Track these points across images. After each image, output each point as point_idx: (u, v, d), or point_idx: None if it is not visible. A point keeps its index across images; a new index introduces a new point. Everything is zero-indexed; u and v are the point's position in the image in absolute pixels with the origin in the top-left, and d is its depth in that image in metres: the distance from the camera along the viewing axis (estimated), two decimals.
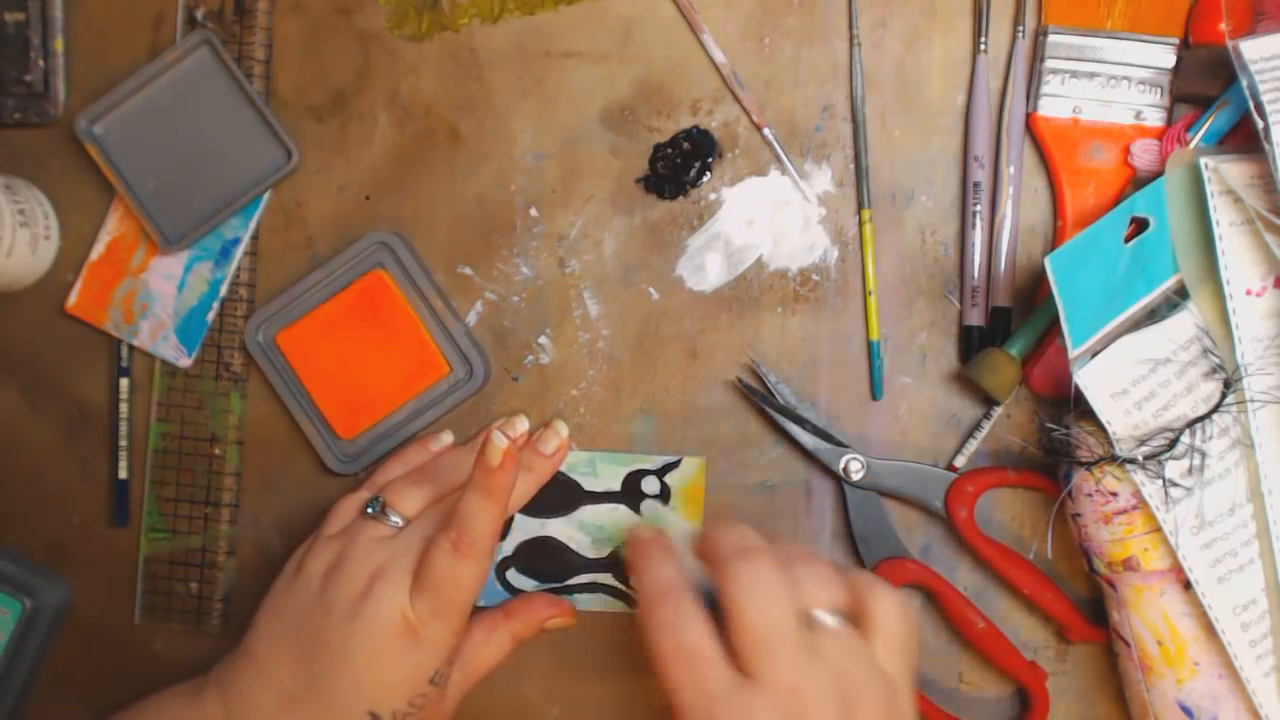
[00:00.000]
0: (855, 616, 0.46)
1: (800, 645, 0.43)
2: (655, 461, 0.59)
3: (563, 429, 0.58)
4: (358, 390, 0.59)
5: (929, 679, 0.58)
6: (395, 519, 0.55)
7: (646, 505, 0.58)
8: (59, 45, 0.61)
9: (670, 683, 0.44)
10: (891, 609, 0.46)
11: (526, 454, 0.57)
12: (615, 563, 0.59)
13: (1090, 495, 0.51)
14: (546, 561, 0.59)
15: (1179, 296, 0.51)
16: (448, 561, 0.51)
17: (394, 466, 0.58)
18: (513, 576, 0.59)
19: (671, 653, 0.44)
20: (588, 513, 0.59)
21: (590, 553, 0.59)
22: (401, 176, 0.61)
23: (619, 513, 0.59)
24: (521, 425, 0.59)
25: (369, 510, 0.55)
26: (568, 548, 0.59)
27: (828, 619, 0.45)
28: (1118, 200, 0.54)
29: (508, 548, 0.59)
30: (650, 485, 0.59)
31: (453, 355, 0.59)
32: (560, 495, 0.59)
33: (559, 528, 0.59)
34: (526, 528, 0.59)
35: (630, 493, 0.59)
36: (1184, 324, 0.50)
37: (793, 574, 0.45)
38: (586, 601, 0.59)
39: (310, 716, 0.51)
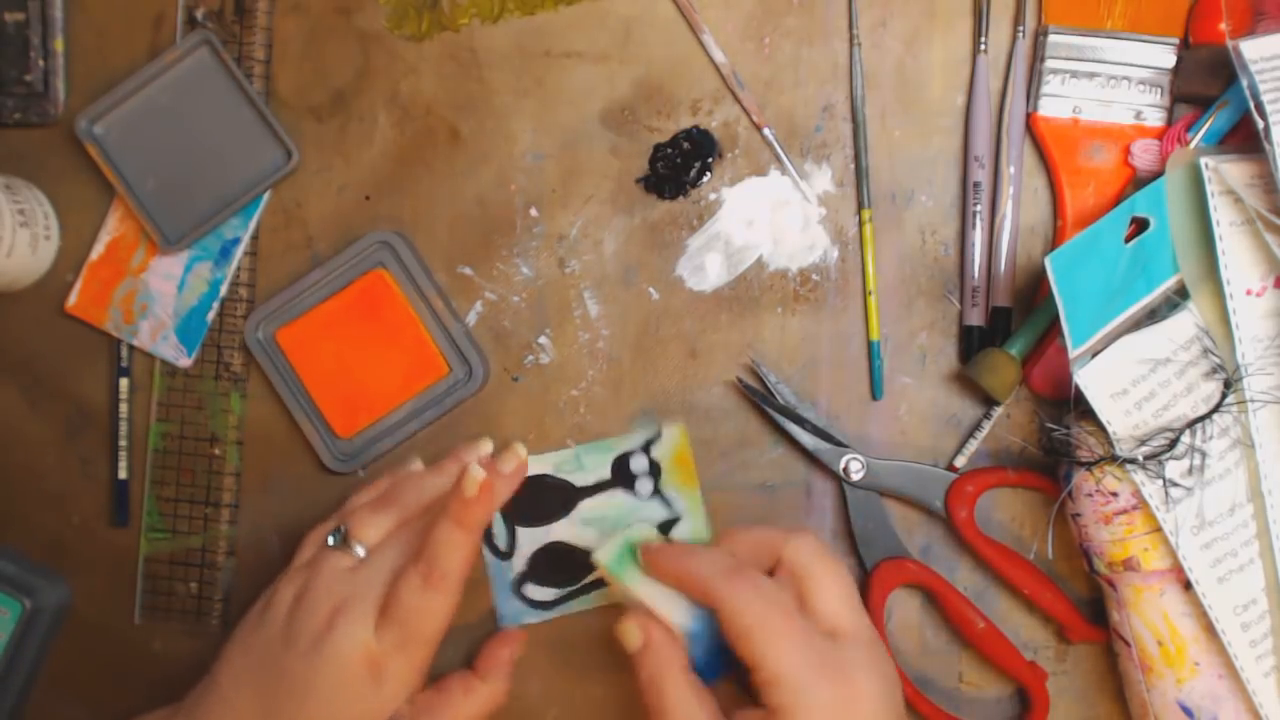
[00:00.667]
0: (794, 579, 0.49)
1: (823, 666, 0.46)
2: (637, 439, 0.59)
3: (521, 450, 0.55)
4: (357, 389, 0.59)
5: (929, 679, 0.58)
6: (359, 549, 0.53)
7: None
8: (59, 45, 0.61)
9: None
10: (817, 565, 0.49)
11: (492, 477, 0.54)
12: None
13: (1090, 495, 0.51)
14: (559, 567, 0.59)
15: (1179, 296, 0.51)
16: (417, 594, 0.50)
17: (360, 495, 0.57)
18: (530, 590, 0.59)
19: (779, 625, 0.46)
20: (586, 507, 0.59)
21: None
22: (401, 176, 0.61)
23: (617, 498, 0.59)
24: (485, 447, 0.57)
25: (331, 541, 0.54)
26: (576, 547, 0.59)
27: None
28: (1118, 200, 0.54)
29: (519, 564, 0.59)
30: (639, 464, 0.59)
31: (452, 356, 0.59)
32: (555, 498, 0.59)
33: (563, 530, 0.59)
34: (532, 539, 0.59)
35: (622, 477, 0.59)
36: (1184, 324, 0.50)
37: (785, 590, 0.48)
38: (600, 597, 0.59)
39: None
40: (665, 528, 0.58)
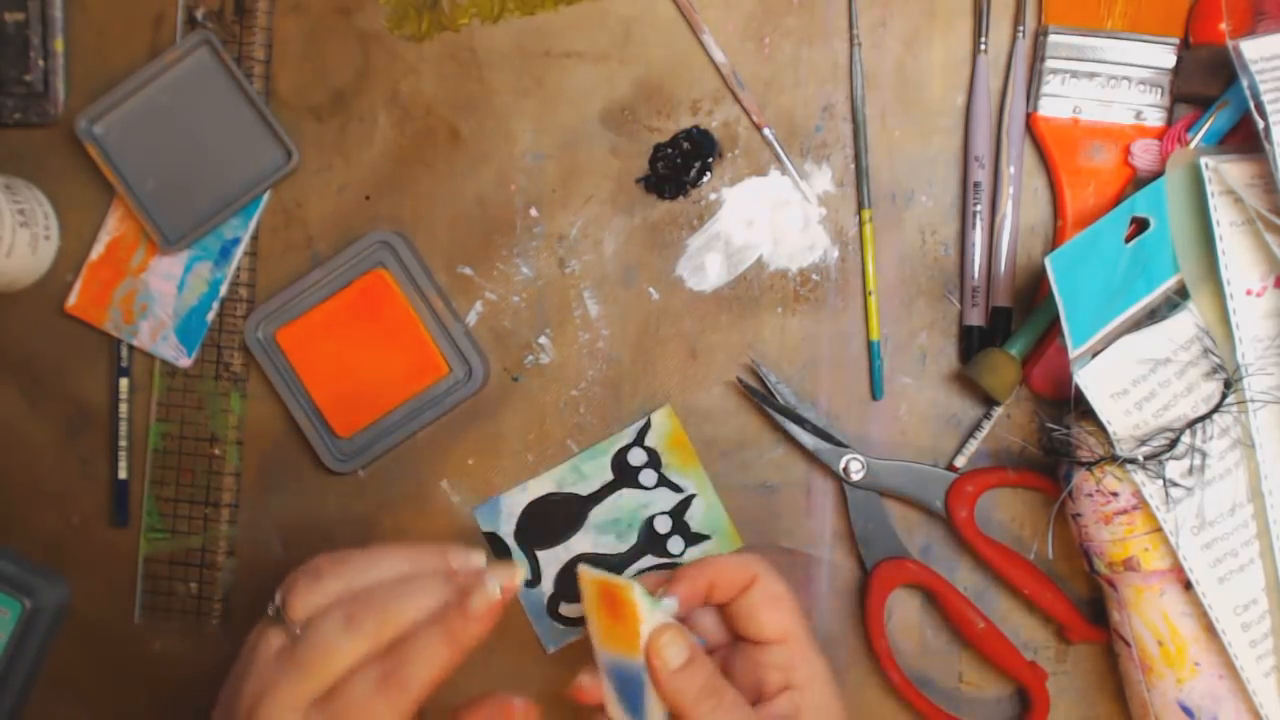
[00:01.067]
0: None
1: None
2: (629, 433, 0.59)
3: (519, 576, 0.48)
4: (356, 389, 0.59)
5: (929, 679, 0.58)
6: (294, 627, 0.46)
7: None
8: (59, 45, 0.61)
9: None
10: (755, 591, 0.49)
11: (452, 618, 0.47)
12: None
13: (1090, 495, 0.51)
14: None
15: (1179, 296, 0.51)
16: (367, 694, 0.44)
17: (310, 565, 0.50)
18: (566, 609, 0.59)
19: None
20: (598, 514, 0.59)
21: (621, 547, 0.59)
22: (401, 176, 0.61)
23: (625, 496, 0.59)
24: (477, 561, 0.50)
25: (269, 613, 0.48)
26: (599, 554, 0.59)
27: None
28: (1118, 200, 0.54)
29: (548, 587, 0.59)
30: (637, 456, 0.59)
31: (452, 356, 0.59)
32: (565, 513, 0.59)
33: (581, 541, 0.59)
34: (554, 559, 0.59)
35: (624, 474, 0.59)
36: (1184, 324, 0.50)
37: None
38: None
39: None
40: (680, 510, 0.58)
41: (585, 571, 0.48)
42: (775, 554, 0.58)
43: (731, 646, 0.51)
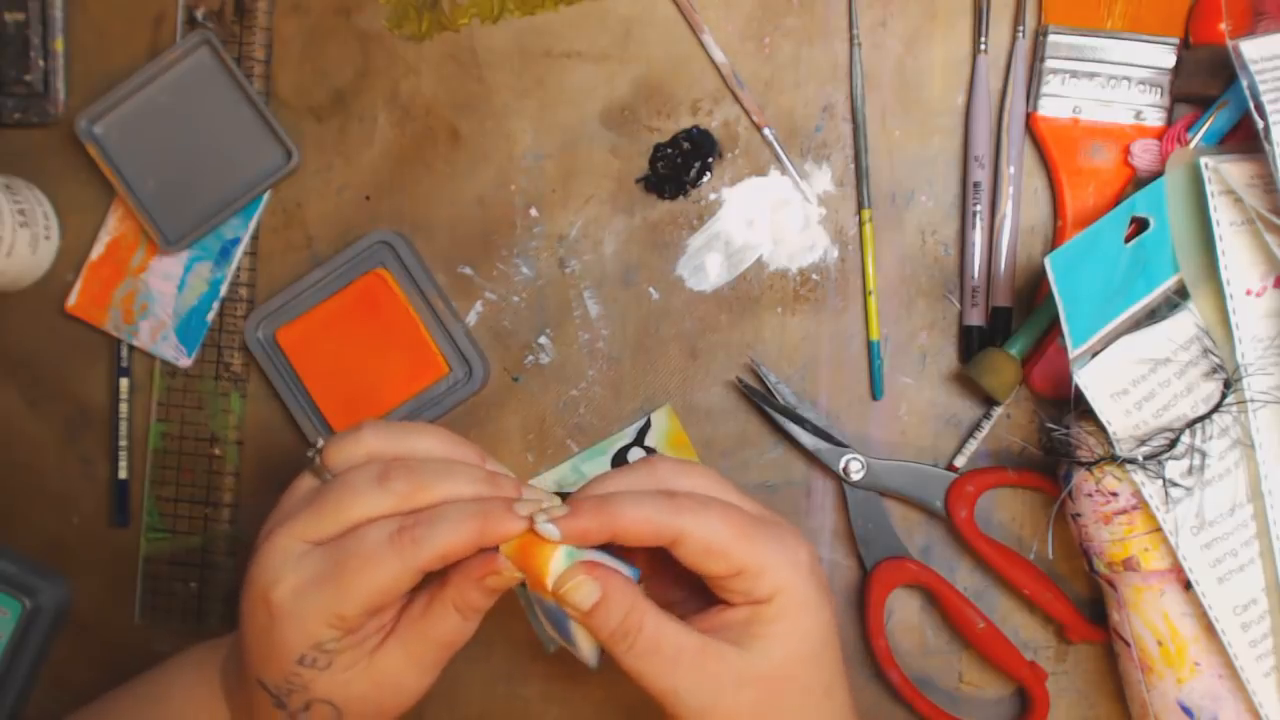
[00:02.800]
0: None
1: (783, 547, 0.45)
2: (629, 433, 0.59)
3: (556, 507, 0.46)
4: (356, 389, 0.59)
5: (929, 679, 0.58)
6: (326, 474, 0.47)
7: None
8: (59, 45, 0.61)
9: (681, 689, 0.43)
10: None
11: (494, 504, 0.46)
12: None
13: (1090, 495, 0.51)
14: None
15: (1179, 296, 0.51)
16: (378, 540, 0.44)
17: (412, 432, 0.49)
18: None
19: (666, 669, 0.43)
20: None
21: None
22: (401, 176, 0.61)
23: None
24: (510, 475, 0.48)
25: (309, 454, 0.48)
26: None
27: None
28: (1118, 200, 0.54)
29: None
30: (636, 456, 0.59)
31: (452, 356, 0.59)
32: None
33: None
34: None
35: None
36: (1184, 324, 0.50)
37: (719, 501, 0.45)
38: None
39: (241, 678, 0.48)
40: None
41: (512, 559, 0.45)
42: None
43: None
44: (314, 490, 0.47)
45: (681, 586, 0.48)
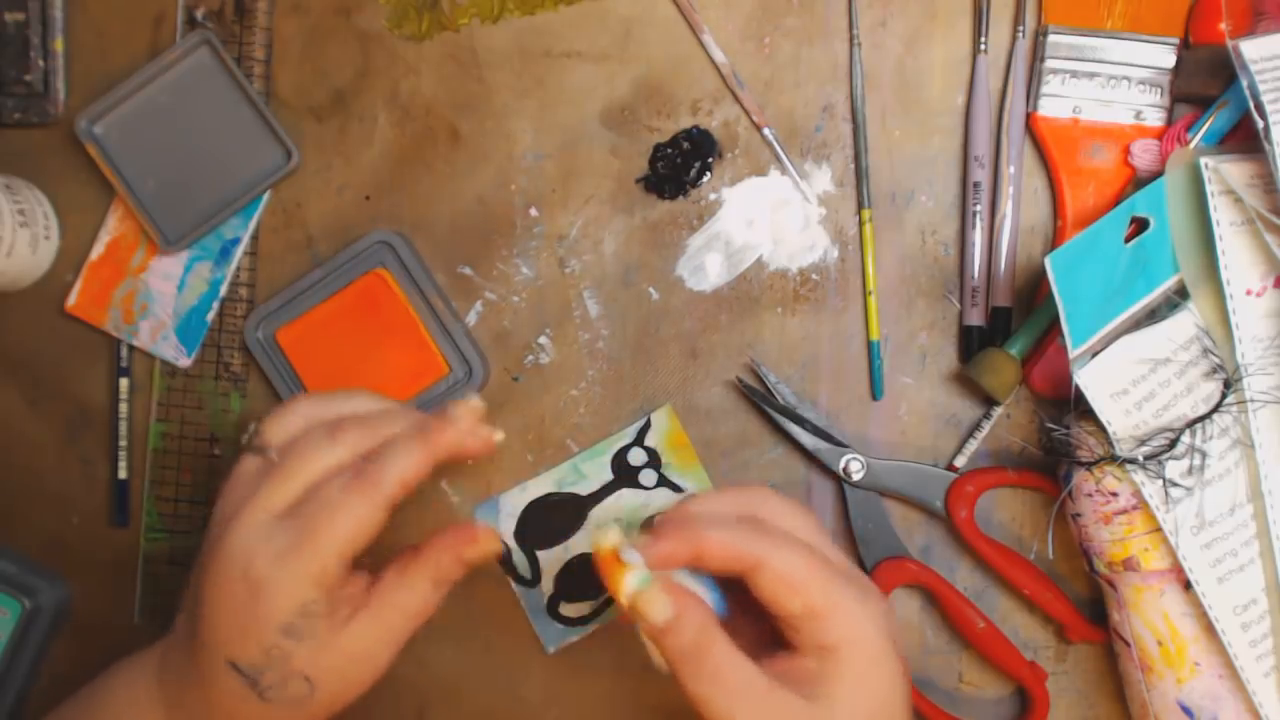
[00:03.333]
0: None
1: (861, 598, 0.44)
2: (629, 433, 0.59)
3: (498, 434, 0.49)
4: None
5: (929, 679, 0.58)
6: (269, 451, 0.48)
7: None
8: (59, 45, 0.61)
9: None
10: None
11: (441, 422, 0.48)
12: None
13: (1090, 495, 0.51)
14: (588, 580, 0.59)
15: (1179, 296, 0.51)
16: (338, 489, 0.45)
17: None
18: (566, 609, 0.59)
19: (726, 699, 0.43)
20: (598, 515, 0.59)
21: None
22: (401, 176, 0.61)
23: (625, 497, 0.59)
24: (498, 435, 0.49)
25: (243, 438, 0.49)
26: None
27: None
28: (1118, 200, 0.54)
29: (548, 587, 0.59)
30: (636, 457, 0.59)
31: (452, 356, 0.59)
32: (565, 514, 0.59)
33: (582, 542, 0.59)
34: (554, 559, 0.59)
35: (624, 474, 0.59)
36: (1184, 324, 0.50)
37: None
38: None
39: (195, 663, 0.47)
40: None
41: (595, 543, 0.45)
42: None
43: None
44: (264, 466, 0.48)
45: (752, 630, 0.47)
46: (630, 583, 0.44)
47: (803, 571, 0.44)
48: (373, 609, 0.47)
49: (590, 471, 0.59)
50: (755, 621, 0.46)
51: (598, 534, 0.45)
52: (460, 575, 0.49)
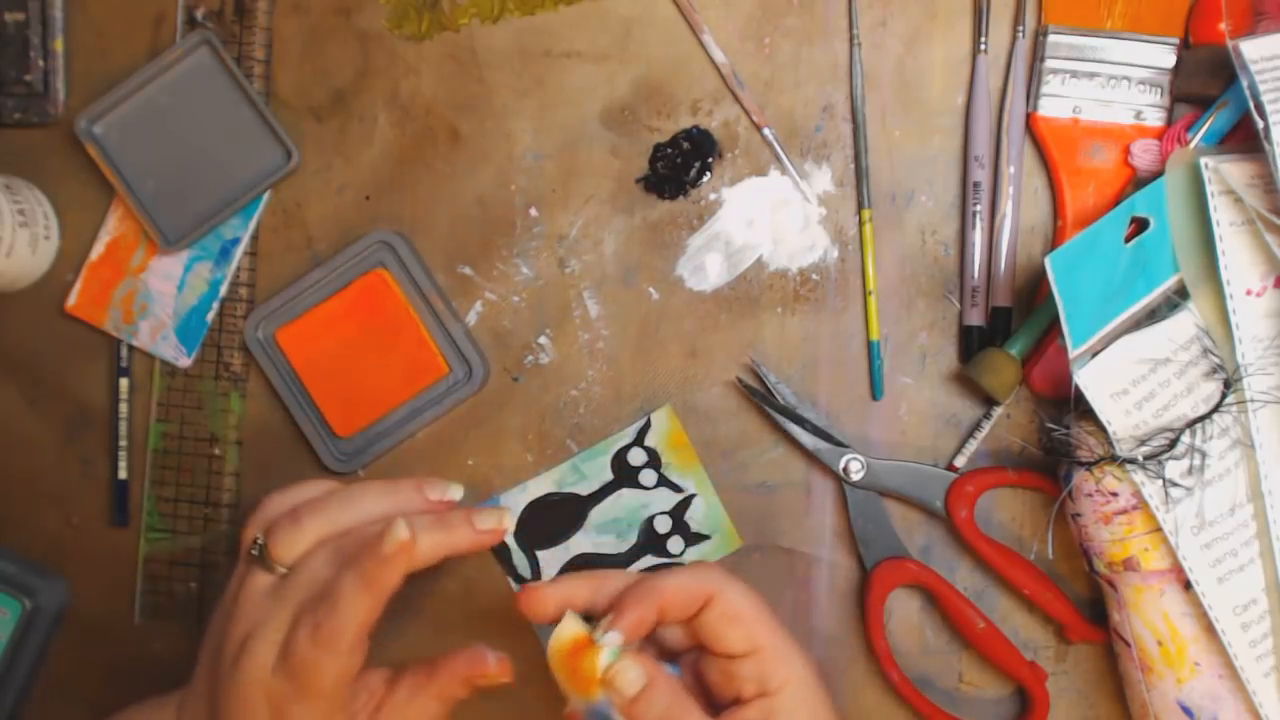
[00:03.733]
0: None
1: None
2: (629, 433, 0.59)
3: (508, 520, 0.52)
4: (356, 389, 0.59)
5: (929, 679, 0.58)
6: (279, 568, 0.50)
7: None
8: (59, 45, 0.61)
9: None
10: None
11: (455, 516, 0.51)
12: None
13: (1090, 495, 0.51)
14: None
15: (1179, 296, 0.51)
16: (307, 647, 0.46)
17: (283, 495, 0.53)
18: None
19: None
20: (598, 514, 0.59)
21: (621, 547, 0.59)
22: (401, 176, 0.61)
23: (624, 497, 0.59)
24: (454, 493, 0.53)
25: (253, 553, 0.50)
26: (598, 555, 0.59)
27: None
28: (1118, 200, 0.54)
29: None
30: (637, 456, 0.59)
31: (452, 356, 0.59)
32: (565, 514, 0.59)
33: (581, 542, 0.59)
34: (554, 559, 0.59)
35: (624, 474, 0.59)
36: (1184, 324, 0.50)
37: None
38: None
39: None
40: (680, 509, 0.58)
41: (559, 635, 0.48)
42: (772, 554, 0.58)
43: (702, 651, 0.49)
44: (275, 588, 0.49)
45: (698, 695, 0.49)
46: (604, 658, 0.46)
47: (749, 607, 0.48)
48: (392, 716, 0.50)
49: (590, 471, 0.59)
50: (697, 687, 0.50)
51: (562, 627, 0.47)
52: (467, 695, 0.51)
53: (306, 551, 0.50)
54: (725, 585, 0.48)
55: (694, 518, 0.58)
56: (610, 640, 0.46)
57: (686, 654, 0.50)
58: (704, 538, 0.58)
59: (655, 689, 0.46)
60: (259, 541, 0.50)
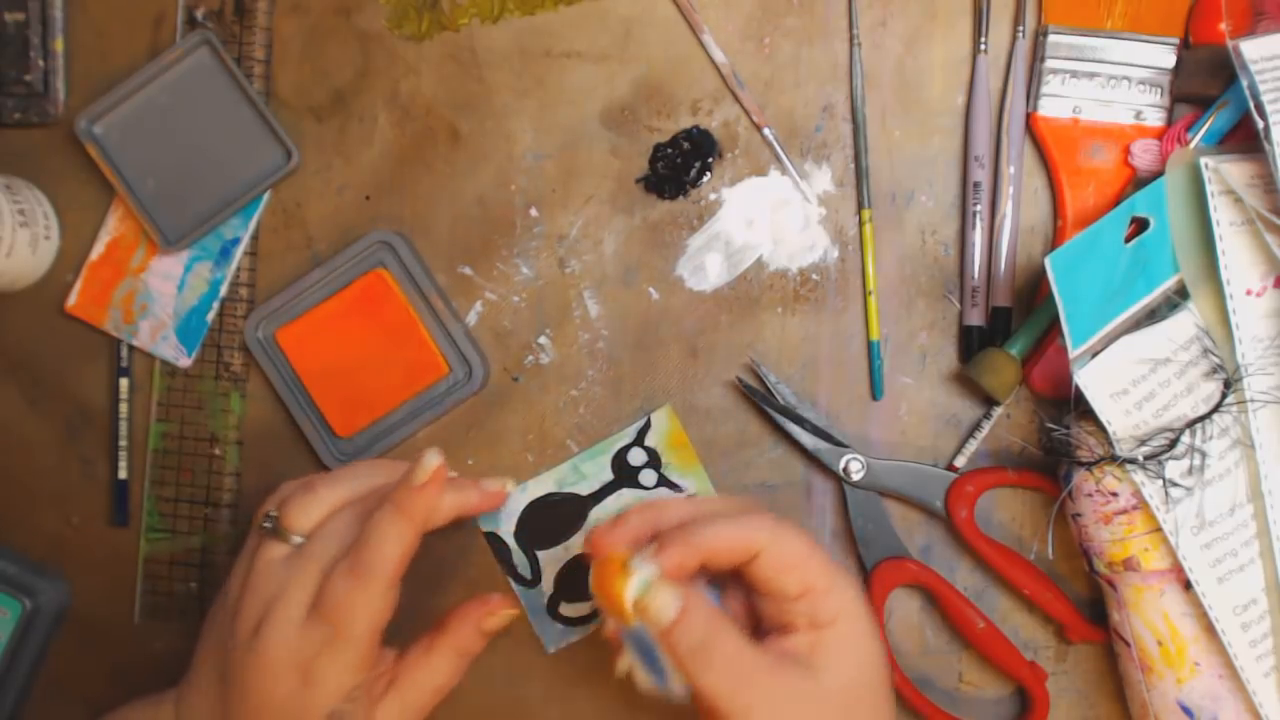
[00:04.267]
0: None
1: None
2: (629, 433, 0.59)
3: (510, 485, 0.55)
4: (356, 389, 0.59)
5: (929, 679, 0.58)
6: (293, 538, 0.50)
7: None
8: (59, 45, 0.61)
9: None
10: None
11: (463, 481, 0.54)
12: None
13: (1090, 495, 0.51)
14: (587, 580, 0.59)
15: (1179, 296, 0.51)
16: (344, 586, 0.47)
17: (292, 482, 0.54)
18: (566, 609, 0.59)
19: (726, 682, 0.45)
20: (598, 515, 0.59)
21: None
22: (401, 176, 0.61)
23: (625, 497, 0.59)
24: (509, 486, 0.55)
25: (265, 525, 0.51)
26: None
27: None
28: (1118, 200, 0.54)
29: (547, 587, 0.59)
30: (637, 456, 0.59)
31: (452, 356, 0.59)
32: (565, 514, 0.59)
33: (581, 542, 0.59)
34: (554, 559, 0.59)
35: (624, 474, 0.59)
36: (1184, 324, 0.50)
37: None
38: None
39: None
40: None
41: (592, 555, 0.48)
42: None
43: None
44: (291, 558, 0.50)
45: (740, 618, 0.49)
46: (635, 585, 0.45)
47: (800, 550, 0.47)
48: (401, 687, 0.51)
49: (590, 471, 0.59)
50: (745, 609, 0.49)
51: (601, 543, 0.47)
52: (482, 645, 0.52)
53: (323, 517, 0.50)
54: (775, 537, 0.47)
55: None
56: (643, 570, 0.46)
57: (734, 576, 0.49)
58: None
59: (690, 617, 0.45)
60: (272, 514, 0.51)
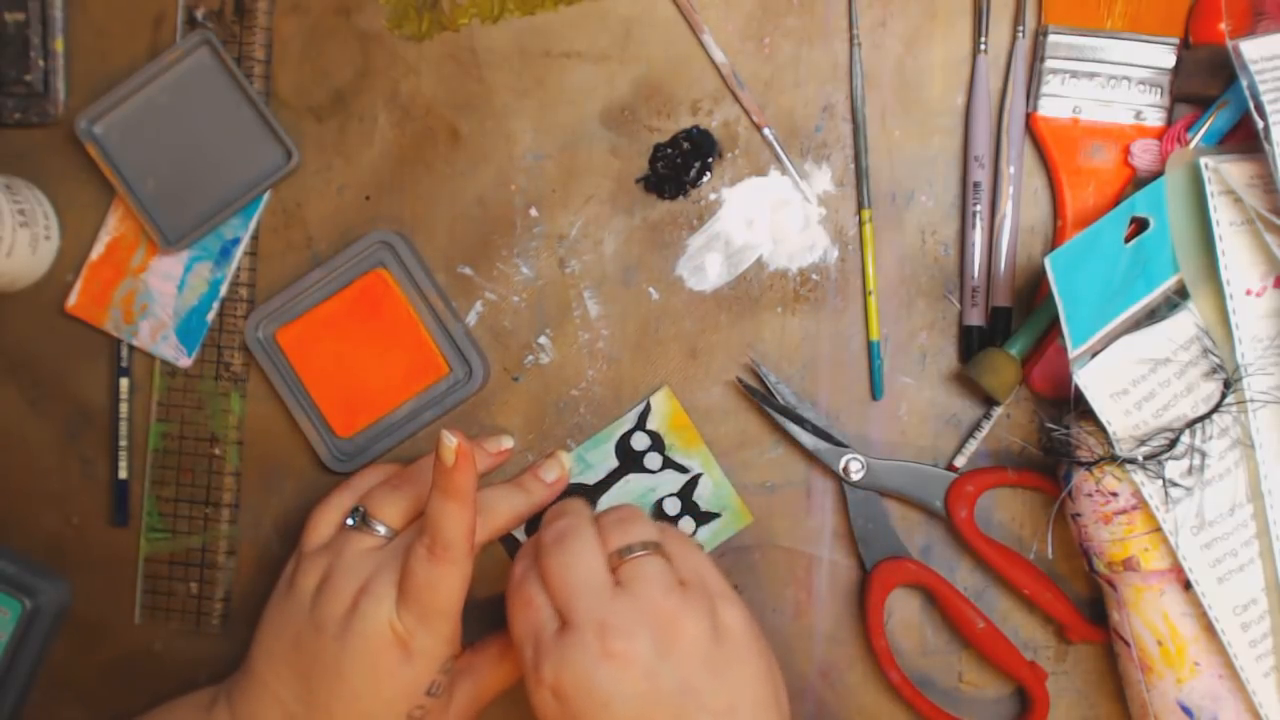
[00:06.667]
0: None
1: (602, 586, 0.49)
2: (630, 418, 0.59)
3: (566, 460, 0.59)
4: (356, 389, 0.59)
5: (929, 679, 0.58)
6: (381, 529, 0.54)
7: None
8: (59, 45, 0.61)
9: (511, 627, 0.51)
10: (680, 535, 0.53)
11: (525, 478, 0.57)
12: None
13: (1090, 495, 0.51)
14: None
15: (1179, 296, 0.51)
16: (424, 568, 0.50)
17: (367, 475, 0.57)
18: None
19: (513, 600, 0.51)
20: (606, 502, 0.59)
21: None
22: (401, 176, 0.61)
23: (631, 483, 0.59)
24: (506, 443, 0.59)
25: (351, 521, 0.55)
26: None
27: (633, 549, 0.50)
28: (1118, 200, 0.54)
29: None
30: (640, 441, 0.59)
31: (452, 356, 0.59)
32: None
33: None
34: None
35: (629, 460, 0.59)
36: (1184, 324, 0.50)
37: (596, 527, 0.51)
38: None
39: None
40: (688, 490, 0.58)
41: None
42: (772, 554, 0.58)
43: None
44: (379, 543, 0.53)
45: None
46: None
47: (546, 565, 0.51)
48: (474, 676, 0.56)
49: (595, 460, 0.59)
50: None
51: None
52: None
53: (408, 510, 0.54)
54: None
55: (702, 496, 0.58)
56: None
57: None
58: (714, 515, 0.58)
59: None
60: (360, 509, 0.54)
